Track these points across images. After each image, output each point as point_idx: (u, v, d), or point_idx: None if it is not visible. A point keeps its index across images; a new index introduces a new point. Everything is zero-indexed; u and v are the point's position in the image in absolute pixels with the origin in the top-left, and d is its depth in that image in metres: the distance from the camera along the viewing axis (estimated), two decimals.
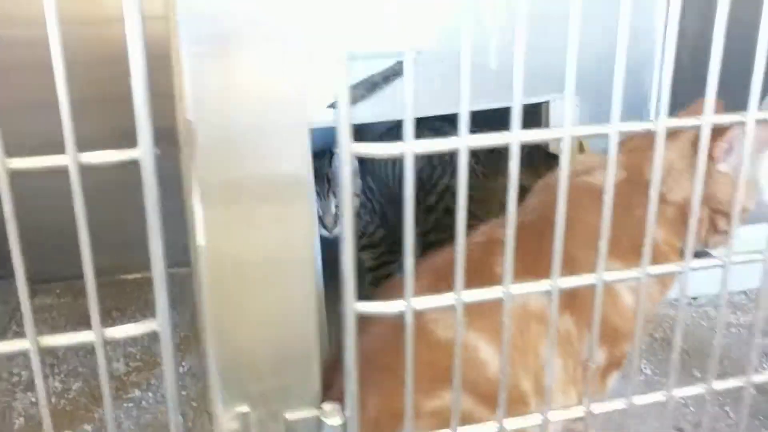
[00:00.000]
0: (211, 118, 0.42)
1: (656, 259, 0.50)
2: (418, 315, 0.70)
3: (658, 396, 0.55)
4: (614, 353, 0.74)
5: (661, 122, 0.44)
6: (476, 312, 0.71)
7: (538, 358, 0.74)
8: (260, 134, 0.42)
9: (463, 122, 0.40)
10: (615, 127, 0.43)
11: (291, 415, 0.46)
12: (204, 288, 0.44)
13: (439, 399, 0.71)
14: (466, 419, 0.52)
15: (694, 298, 1.34)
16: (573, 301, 0.73)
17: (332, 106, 0.94)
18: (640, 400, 0.54)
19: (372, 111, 1.04)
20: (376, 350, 0.74)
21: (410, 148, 0.39)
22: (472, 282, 0.50)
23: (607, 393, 0.81)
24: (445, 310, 0.72)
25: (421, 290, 0.76)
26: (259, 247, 0.44)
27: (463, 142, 0.40)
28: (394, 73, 1.30)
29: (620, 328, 0.75)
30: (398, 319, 0.74)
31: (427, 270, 0.78)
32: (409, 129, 0.39)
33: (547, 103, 1.11)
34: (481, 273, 0.72)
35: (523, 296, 0.48)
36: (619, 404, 0.54)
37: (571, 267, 0.70)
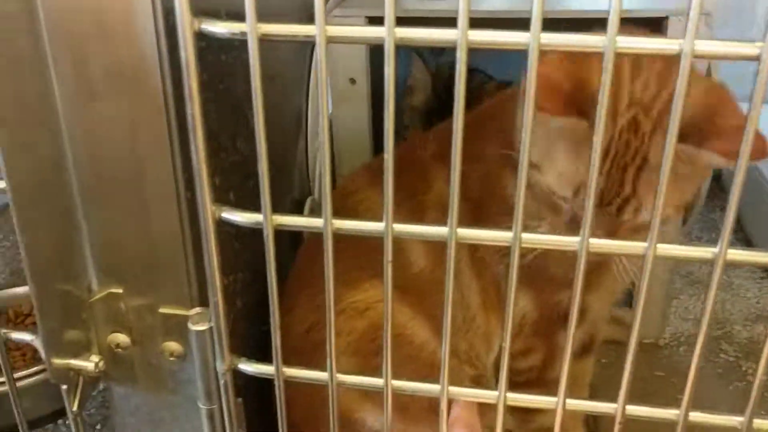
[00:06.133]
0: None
1: None
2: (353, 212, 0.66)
3: None
4: (544, 299, 0.69)
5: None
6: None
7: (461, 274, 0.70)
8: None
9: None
10: None
11: (164, 310, 0.44)
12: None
13: (363, 291, 0.67)
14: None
15: None
16: None
17: None
18: None
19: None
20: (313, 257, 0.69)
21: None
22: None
23: (557, 350, 0.72)
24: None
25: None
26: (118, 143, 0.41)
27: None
28: None
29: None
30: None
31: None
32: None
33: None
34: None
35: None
36: None
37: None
